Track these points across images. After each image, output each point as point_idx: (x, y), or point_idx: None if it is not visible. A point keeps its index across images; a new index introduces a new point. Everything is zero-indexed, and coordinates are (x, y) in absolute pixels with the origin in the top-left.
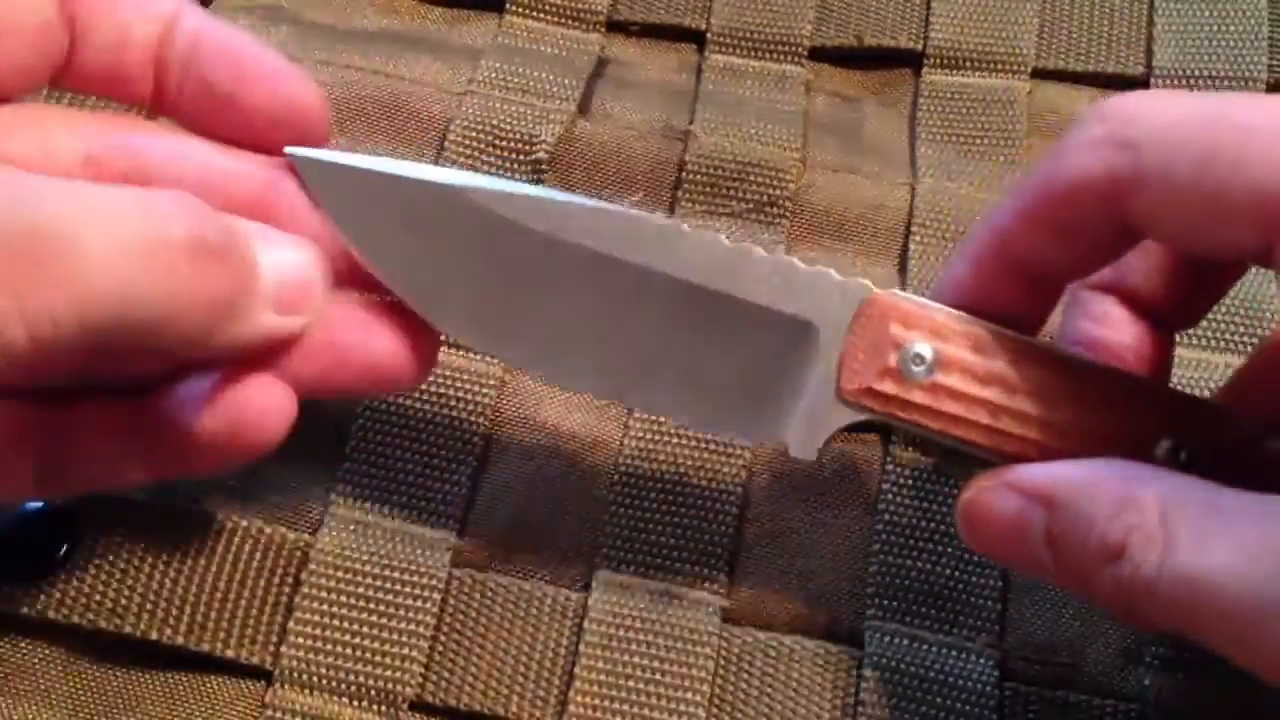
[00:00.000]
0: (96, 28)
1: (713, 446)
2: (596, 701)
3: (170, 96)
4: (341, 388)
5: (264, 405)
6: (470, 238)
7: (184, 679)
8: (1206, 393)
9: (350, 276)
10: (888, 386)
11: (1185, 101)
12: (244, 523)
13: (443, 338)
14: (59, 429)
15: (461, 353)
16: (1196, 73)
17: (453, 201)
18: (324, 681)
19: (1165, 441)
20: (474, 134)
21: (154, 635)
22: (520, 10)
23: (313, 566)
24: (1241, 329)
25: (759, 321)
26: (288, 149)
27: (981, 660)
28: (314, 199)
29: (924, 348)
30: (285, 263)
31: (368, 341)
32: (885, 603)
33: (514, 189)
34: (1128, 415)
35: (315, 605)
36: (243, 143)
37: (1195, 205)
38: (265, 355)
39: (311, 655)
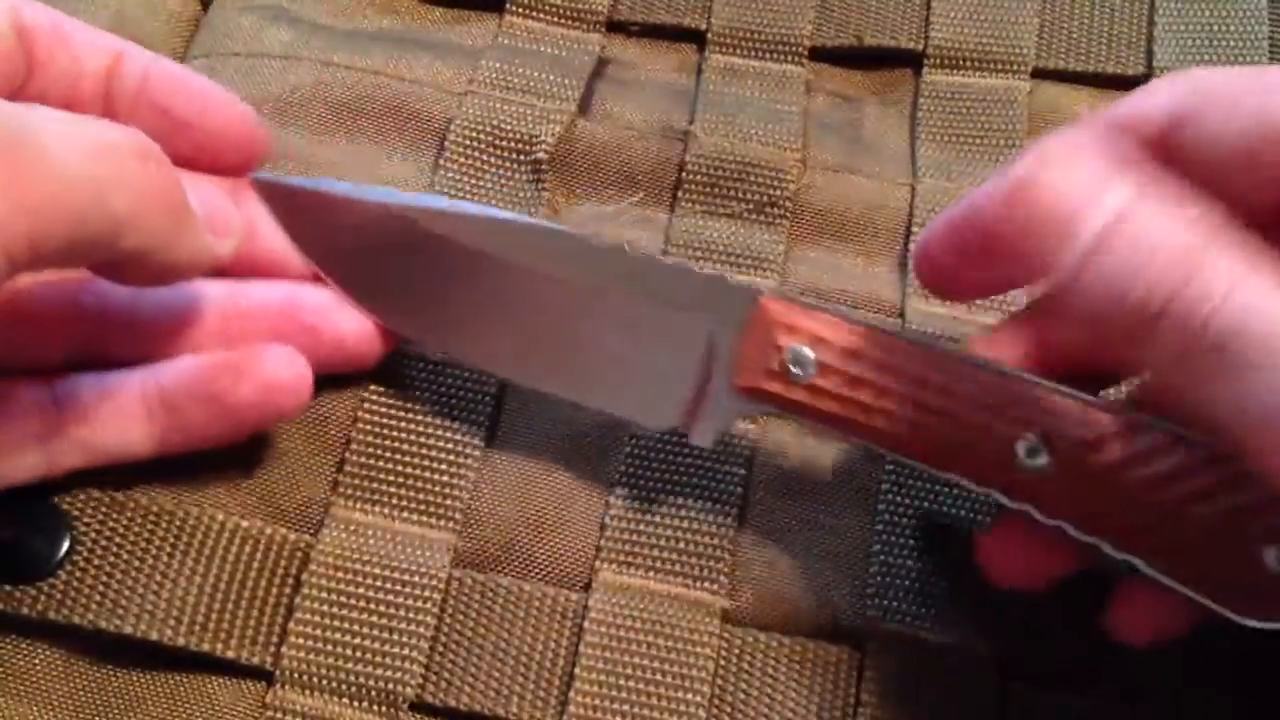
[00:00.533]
0: (53, 60)
1: (713, 447)
2: (597, 701)
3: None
4: (315, 365)
5: (292, 371)
6: (406, 251)
7: (184, 680)
8: None
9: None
10: (774, 386)
11: (1249, 69)
12: (244, 523)
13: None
14: (63, 404)
15: None
16: None
17: (388, 217)
18: (325, 682)
19: (1030, 435)
20: (474, 134)
21: (154, 635)
22: (520, 10)
23: (313, 567)
24: None
25: (664, 322)
26: (254, 175)
27: (982, 661)
28: (277, 218)
29: (806, 352)
30: (199, 188)
31: (335, 322)
32: (885, 603)
33: (444, 206)
34: (993, 411)
35: (316, 606)
36: (195, 166)
37: (1233, 143)
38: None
39: (312, 656)
